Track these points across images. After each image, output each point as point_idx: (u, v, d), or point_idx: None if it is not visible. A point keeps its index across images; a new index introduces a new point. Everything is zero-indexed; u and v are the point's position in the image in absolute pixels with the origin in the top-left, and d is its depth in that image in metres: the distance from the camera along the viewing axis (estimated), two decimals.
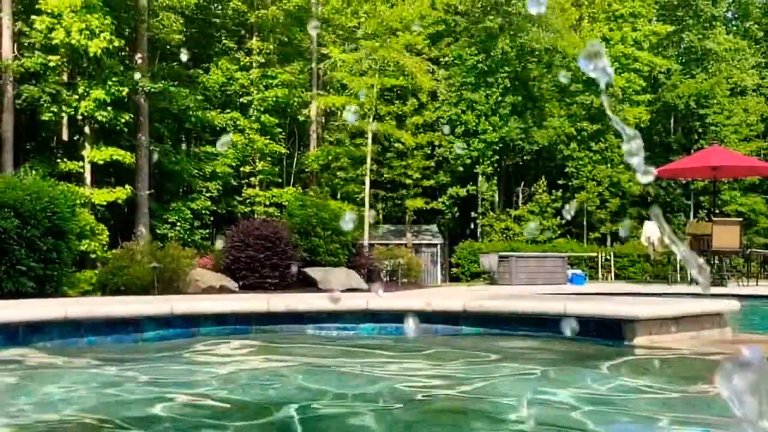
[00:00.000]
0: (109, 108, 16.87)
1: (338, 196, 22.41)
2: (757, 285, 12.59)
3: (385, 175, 23.33)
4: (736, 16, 30.38)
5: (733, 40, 27.31)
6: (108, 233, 17.24)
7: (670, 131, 28.11)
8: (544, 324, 5.05)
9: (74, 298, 8.51)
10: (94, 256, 16.42)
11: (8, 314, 4.70)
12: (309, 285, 11.38)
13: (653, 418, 2.83)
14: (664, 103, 26.52)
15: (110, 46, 16.37)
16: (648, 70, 25.06)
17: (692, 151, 25.06)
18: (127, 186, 17.84)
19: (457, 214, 23.67)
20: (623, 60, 23.43)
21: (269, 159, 21.87)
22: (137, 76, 17.45)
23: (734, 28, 29.85)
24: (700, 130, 26.66)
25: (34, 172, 12.31)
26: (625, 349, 4.51)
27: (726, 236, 11.95)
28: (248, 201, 21.39)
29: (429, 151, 23.61)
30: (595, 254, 19.43)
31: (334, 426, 2.77)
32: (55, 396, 3.16)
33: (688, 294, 9.81)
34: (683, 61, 28.35)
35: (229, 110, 21.63)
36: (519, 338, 5.08)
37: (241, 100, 22.04)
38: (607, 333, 4.75)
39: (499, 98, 22.52)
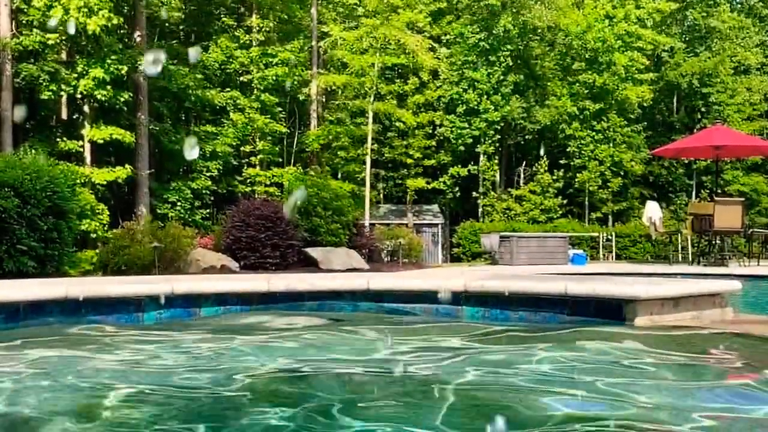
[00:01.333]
0: (109, 87, 16.76)
1: (339, 175, 22.36)
2: (758, 265, 12.58)
3: (386, 155, 23.26)
4: None
5: (737, 17, 27.05)
6: (108, 213, 17.24)
7: (673, 110, 27.96)
8: (544, 304, 5.04)
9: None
10: (94, 235, 16.43)
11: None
12: (310, 265, 11.38)
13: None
14: (667, 82, 26.34)
15: (109, 24, 16.22)
16: (651, 49, 24.85)
17: (695, 130, 24.94)
18: (127, 165, 17.79)
19: (458, 193, 23.63)
20: (626, 38, 23.22)
21: (269, 138, 21.79)
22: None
23: (738, 5, 29.54)
24: (703, 109, 26.51)
25: (33, 151, 12.25)
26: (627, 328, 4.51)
27: (728, 216, 11.91)
28: (249, 181, 21.35)
29: (430, 131, 23.52)
30: (596, 234, 19.43)
31: None
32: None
33: (689, 274, 9.82)
34: (687, 39, 28.11)
35: (228, 89, 21.51)
36: (516, 320, 5.09)
37: (240, 78, 21.90)
38: (608, 313, 4.74)
39: (501, 77, 22.37)
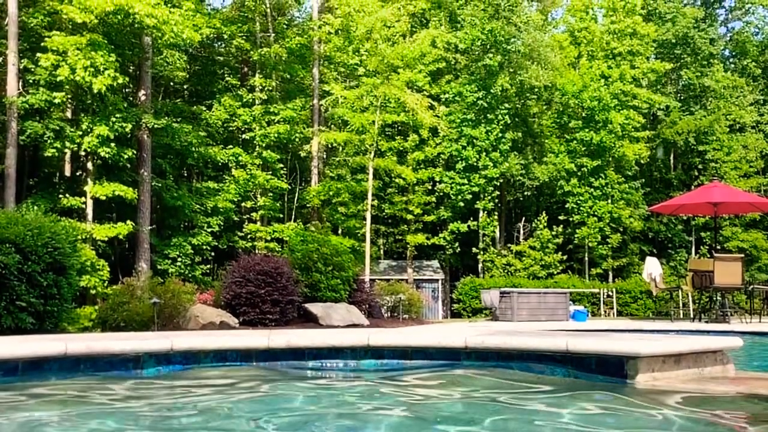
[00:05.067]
0: (112, 144, 16.97)
1: (339, 231, 22.44)
2: (760, 321, 12.51)
3: (386, 211, 23.38)
4: (733, 54, 30.76)
5: (731, 77, 27.60)
6: (109, 269, 17.21)
7: (670, 167, 28.24)
8: (545, 360, 5.01)
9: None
10: (94, 291, 16.37)
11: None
12: (310, 320, 11.32)
13: None
14: (663, 140, 26.70)
15: (114, 83, 16.55)
16: (647, 107, 25.29)
17: (693, 187, 25.16)
18: (128, 221, 17.88)
19: (458, 249, 23.66)
20: (622, 97, 23.66)
21: (271, 194, 21.96)
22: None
23: (732, 65, 30.19)
24: (700, 166, 26.80)
25: (36, 207, 12.34)
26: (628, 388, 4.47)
27: (728, 272, 11.91)
28: (249, 236, 21.41)
29: (430, 187, 23.71)
30: (597, 290, 19.37)
31: None
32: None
33: (691, 331, 9.77)
34: (682, 98, 28.63)
35: (231, 146, 21.79)
36: (520, 373, 5.05)
37: (243, 135, 22.22)
38: (609, 370, 4.71)
39: (500, 134, 22.70)
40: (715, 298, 12.83)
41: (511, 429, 3.37)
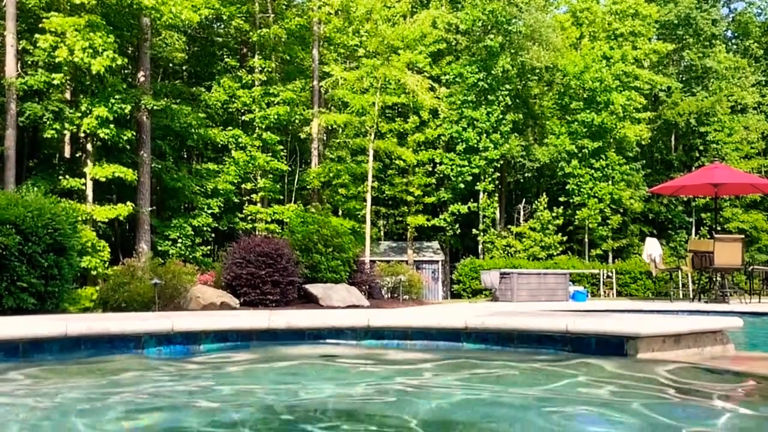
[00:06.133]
0: (112, 125, 16.93)
1: (340, 213, 22.44)
2: (759, 302, 12.55)
3: (386, 192, 23.37)
4: (735, 35, 30.58)
5: (733, 58, 27.46)
6: (109, 250, 17.25)
7: (671, 148, 28.18)
8: (545, 341, 5.03)
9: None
10: (95, 272, 16.42)
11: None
12: (310, 301, 11.35)
13: None
14: (665, 121, 26.61)
15: (113, 64, 16.46)
16: (649, 88, 25.18)
17: (693, 168, 25.12)
18: (128, 203, 17.87)
19: (459, 230, 23.68)
20: (624, 78, 23.54)
21: (271, 176, 21.92)
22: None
23: (734, 46, 30.03)
24: (701, 147, 26.74)
25: (36, 188, 12.32)
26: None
27: (728, 253, 11.92)
28: (249, 218, 21.42)
29: (430, 168, 23.67)
30: (596, 271, 19.40)
31: None
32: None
33: (690, 311, 9.80)
34: (684, 79, 28.50)
35: (230, 127, 21.72)
36: (520, 354, 5.07)
37: (243, 117, 22.14)
38: (609, 350, 4.72)
39: (500, 116, 22.62)
40: (714, 279, 12.86)
41: (505, 400, 3.38)
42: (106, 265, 16.48)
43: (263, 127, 21.44)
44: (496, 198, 23.97)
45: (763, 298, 13.46)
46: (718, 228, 21.48)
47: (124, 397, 3.54)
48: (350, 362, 5.00)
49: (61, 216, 9.46)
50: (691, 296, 13.43)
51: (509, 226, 24.47)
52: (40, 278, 8.87)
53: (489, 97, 22.65)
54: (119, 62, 16.63)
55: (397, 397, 3.61)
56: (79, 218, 14.10)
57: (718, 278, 12.64)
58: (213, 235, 21.00)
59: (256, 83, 21.82)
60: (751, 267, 14.28)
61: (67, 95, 18.70)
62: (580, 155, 23.37)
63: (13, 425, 2.92)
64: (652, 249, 13.93)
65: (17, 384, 3.89)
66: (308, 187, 22.76)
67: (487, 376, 4.30)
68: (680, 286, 14.30)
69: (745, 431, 2.96)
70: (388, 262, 18.23)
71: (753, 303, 12.28)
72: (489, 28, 22.61)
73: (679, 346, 4.82)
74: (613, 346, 4.70)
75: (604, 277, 19.14)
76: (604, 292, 18.81)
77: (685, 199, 25.66)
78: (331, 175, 21.73)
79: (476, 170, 22.54)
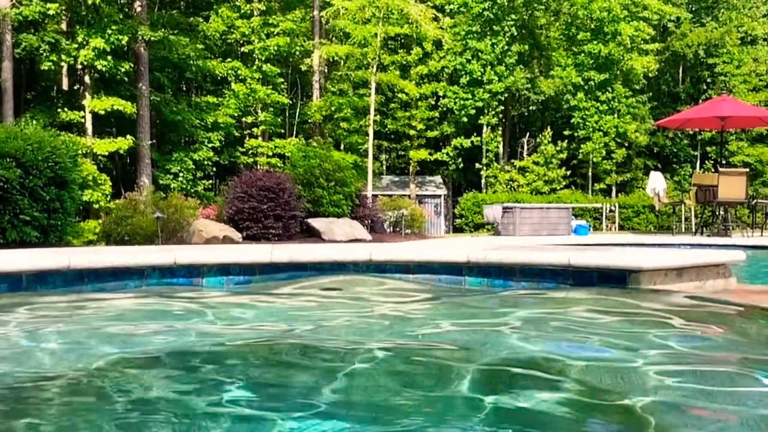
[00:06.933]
0: (109, 57, 16.65)
1: (342, 147, 22.29)
2: (761, 236, 12.56)
3: (388, 126, 23.15)
4: None
5: None
6: (111, 183, 17.24)
7: (678, 81, 27.72)
8: (547, 275, 5.03)
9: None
10: (97, 206, 16.46)
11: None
12: (312, 236, 11.38)
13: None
14: (673, 52, 26.08)
15: None
16: (657, 19, 24.57)
17: (700, 101, 24.76)
18: (128, 136, 17.74)
19: (461, 165, 23.55)
20: (632, 8, 22.94)
21: (271, 109, 21.67)
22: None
23: None
24: (708, 79, 26.29)
25: (35, 121, 12.19)
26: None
27: (732, 187, 11.86)
28: (251, 152, 21.30)
29: (433, 102, 23.37)
30: (599, 205, 19.39)
31: None
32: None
33: (692, 244, 9.81)
34: (693, 9, 27.77)
35: (230, 59, 21.34)
36: (522, 284, 5.09)
37: (242, 49, 21.72)
38: (611, 284, 4.73)
39: (505, 47, 22.15)
40: (717, 213, 12.83)
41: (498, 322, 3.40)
42: (108, 199, 16.50)
43: (263, 59, 21.06)
44: (500, 132, 23.75)
45: (766, 231, 13.46)
46: (723, 162, 21.33)
47: (124, 328, 3.56)
48: (350, 295, 5.02)
49: (62, 149, 9.37)
50: (694, 230, 13.43)
51: (512, 161, 24.34)
52: (43, 212, 8.86)
53: (494, 27, 22.14)
54: None
55: (396, 321, 3.63)
56: (80, 152, 14.00)
57: (721, 212, 12.62)
58: (214, 169, 20.93)
59: (255, 13, 21.31)
60: (755, 201, 14.21)
61: (63, 26, 18.32)
62: (586, 88, 23.01)
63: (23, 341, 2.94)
64: (657, 183, 13.86)
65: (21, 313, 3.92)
66: (310, 120, 22.53)
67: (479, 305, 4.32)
68: (683, 219, 14.29)
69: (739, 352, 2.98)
70: (390, 196, 18.20)
71: (755, 236, 12.29)
72: None
73: (682, 279, 4.82)
74: (616, 279, 4.71)
75: (607, 211, 19.15)
76: (607, 226, 18.85)
77: (691, 132, 25.39)
78: (332, 108, 21.48)
79: (480, 104, 22.23)
